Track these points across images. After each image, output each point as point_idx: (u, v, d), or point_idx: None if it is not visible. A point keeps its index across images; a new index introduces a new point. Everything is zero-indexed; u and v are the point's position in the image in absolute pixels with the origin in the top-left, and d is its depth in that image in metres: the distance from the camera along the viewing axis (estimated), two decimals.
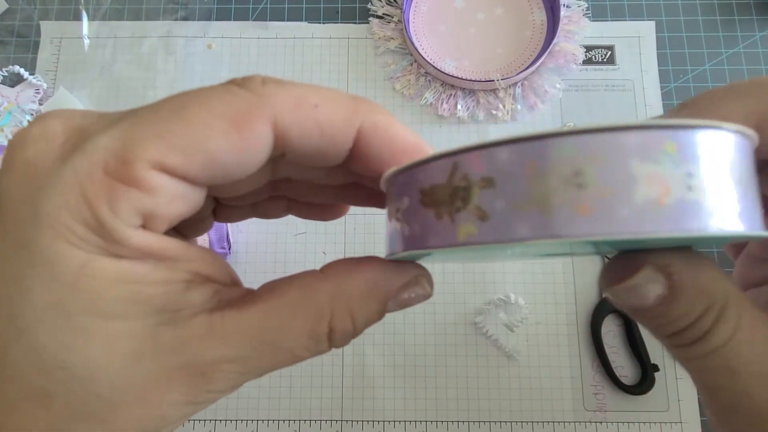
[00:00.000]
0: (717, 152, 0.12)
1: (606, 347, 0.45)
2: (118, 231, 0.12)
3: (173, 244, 0.14)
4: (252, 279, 0.48)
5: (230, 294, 0.15)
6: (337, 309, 0.15)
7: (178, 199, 0.13)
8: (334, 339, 0.15)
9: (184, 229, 0.19)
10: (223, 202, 0.20)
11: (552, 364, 0.46)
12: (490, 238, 0.12)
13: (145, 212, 0.12)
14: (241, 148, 0.13)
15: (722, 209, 0.12)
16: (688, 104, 0.17)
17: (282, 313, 0.14)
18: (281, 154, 0.15)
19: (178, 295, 0.14)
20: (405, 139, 0.15)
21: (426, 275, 0.17)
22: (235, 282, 0.16)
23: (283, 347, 0.15)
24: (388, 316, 0.46)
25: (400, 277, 0.16)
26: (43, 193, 0.12)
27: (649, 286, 0.15)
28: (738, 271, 0.21)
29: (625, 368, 0.45)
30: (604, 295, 0.16)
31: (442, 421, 0.45)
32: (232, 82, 0.13)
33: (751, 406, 0.15)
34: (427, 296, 0.17)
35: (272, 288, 0.15)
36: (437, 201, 0.13)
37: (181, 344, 0.13)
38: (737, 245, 0.20)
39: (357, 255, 0.48)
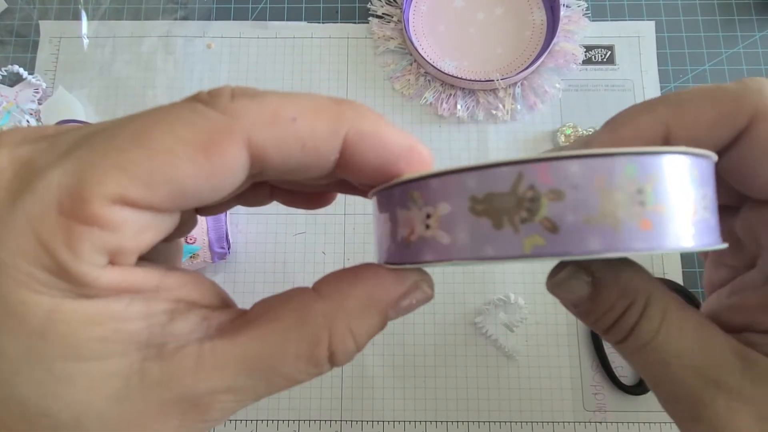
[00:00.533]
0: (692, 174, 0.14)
1: (605, 347, 0.45)
2: (83, 273, 0.11)
3: (149, 275, 0.13)
4: (251, 279, 0.48)
5: (220, 318, 0.14)
6: (335, 330, 0.14)
7: (146, 230, 0.12)
8: (336, 360, 0.15)
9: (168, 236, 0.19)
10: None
11: (551, 364, 0.46)
12: (561, 251, 0.13)
13: (110, 249, 0.12)
14: (211, 173, 0.12)
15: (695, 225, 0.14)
16: (610, 123, 0.18)
17: (277, 340, 0.14)
18: (259, 172, 0.14)
19: (162, 328, 0.13)
20: (396, 143, 0.14)
21: (426, 279, 0.16)
22: (225, 303, 0.15)
23: (281, 374, 0.14)
24: None
25: (399, 286, 0.16)
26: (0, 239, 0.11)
27: (573, 283, 0.17)
28: (705, 274, 0.23)
29: (624, 368, 0.45)
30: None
31: (441, 421, 0.45)
32: (197, 99, 0.12)
33: (690, 396, 0.17)
34: (429, 299, 0.16)
35: (265, 311, 0.15)
36: (496, 210, 0.13)
37: (171, 378, 0.13)
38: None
39: (356, 254, 0.48)
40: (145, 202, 0.11)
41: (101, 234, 0.11)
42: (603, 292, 0.17)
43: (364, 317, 0.15)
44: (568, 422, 0.44)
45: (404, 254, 0.15)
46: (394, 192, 0.15)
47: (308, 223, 0.49)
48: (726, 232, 0.19)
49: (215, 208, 0.19)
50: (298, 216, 0.48)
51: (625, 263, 0.18)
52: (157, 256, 0.16)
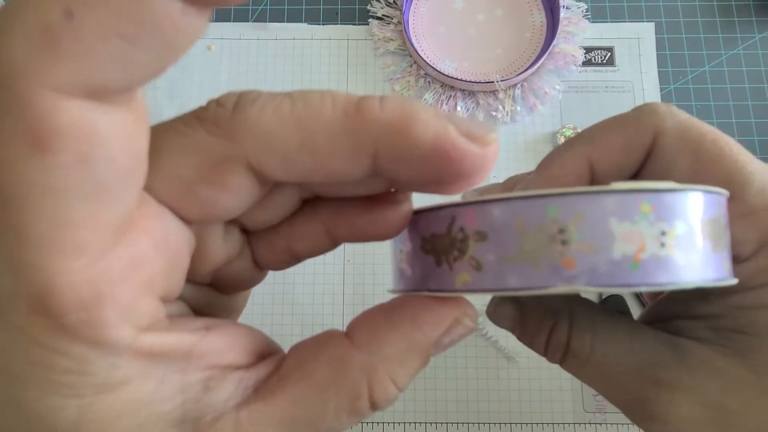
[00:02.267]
0: (689, 210, 0.13)
1: None
2: (112, 348, 0.11)
3: (183, 339, 0.12)
4: None
5: (257, 377, 0.14)
6: (375, 381, 0.14)
7: (140, 269, 0.11)
8: (378, 407, 0.14)
9: (231, 287, 0.17)
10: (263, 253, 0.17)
11: (551, 365, 0.45)
12: (483, 287, 0.14)
13: (109, 324, 0.11)
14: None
15: (691, 262, 0.13)
16: (540, 166, 0.20)
17: (315, 398, 0.13)
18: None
19: (197, 402, 0.12)
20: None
21: (469, 313, 0.15)
22: (262, 354, 0.15)
23: (322, 428, 0.13)
24: None
25: (440, 324, 0.15)
26: (8, 357, 0.10)
27: (502, 310, 0.19)
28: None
29: None
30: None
31: (441, 423, 0.45)
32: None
33: (637, 399, 0.18)
34: (471, 332, 0.15)
35: (299, 364, 0.14)
36: (437, 249, 0.15)
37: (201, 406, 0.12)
38: None
39: (356, 255, 0.48)
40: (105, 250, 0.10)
41: (93, 315, 0.10)
42: (528, 316, 0.19)
43: (404, 363, 0.14)
44: (568, 423, 0.44)
45: (398, 283, 0.17)
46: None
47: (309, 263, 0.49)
48: None
49: (281, 263, 0.18)
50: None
51: None
52: (218, 309, 0.16)
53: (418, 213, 0.15)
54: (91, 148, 0.09)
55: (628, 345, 0.18)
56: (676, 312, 0.20)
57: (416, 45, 0.51)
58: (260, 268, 0.18)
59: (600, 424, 0.44)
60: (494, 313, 0.20)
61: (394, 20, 0.53)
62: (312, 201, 0.16)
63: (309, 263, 0.48)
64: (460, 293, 0.14)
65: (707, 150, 0.18)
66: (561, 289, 0.13)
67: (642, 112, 0.18)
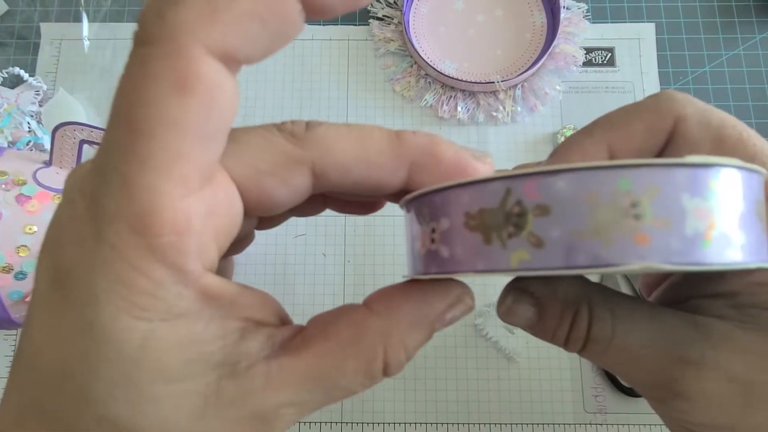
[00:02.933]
0: (749, 189, 0.13)
1: None
2: (172, 287, 0.12)
3: (228, 289, 0.14)
4: (251, 281, 0.47)
5: (282, 336, 0.15)
6: (390, 345, 0.15)
7: (216, 232, 0.13)
8: (389, 371, 0.16)
9: (230, 250, 0.19)
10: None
11: (552, 366, 0.46)
12: (545, 265, 0.13)
13: (190, 253, 0.12)
14: (213, 115, 0.13)
15: (751, 242, 0.13)
16: (557, 151, 0.20)
17: (337, 356, 0.15)
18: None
19: (234, 347, 0.14)
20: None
21: (468, 292, 0.17)
22: (284, 320, 0.16)
23: (340, 387, 0.15)
24: None
25: (444, 300, 0.17)
26: (95, 273, 0.12)
27: (519, 307, 0.19)
28: (640, 277, 0.24)
29: None
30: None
31: (441, 423, 0.45)
32: (144, 41, 0.13)
33: (663, 379, 0.18)
34: (470, 310, 0.17)
35: (322, 328, 0.16)
36: (486, 225, 0.13)
37: (243, 395, 0.14)
38: None
39: (357, 256, 0.48)
40: (197, 182, 0.12)
41: (180, 240, 0.12)
42: (547, 310, 0.19)
43: (414, 332, 0.16)
44: (569, 424, 0.44)
45: (417, 266, 0.16)
46: (411, 207, 0.16)
47: (309, 225, 0.49)
48: None
49: (272, 221, 0.20)
50: (299, 218, 0.48)
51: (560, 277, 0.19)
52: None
53: (461, 186, 0.14)
54: (214, 99, 0.12)
55: (648, 326, 0.18)
56: (693, 292, 0.19)
57: (417, 45, 0.51)
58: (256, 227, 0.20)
59: (600, 424, 0.44)
60: (508, 312, 0.19)
61: (395, 21, 0.53)
62: None
63: (309, 265, 0.48)
64: (515, 273, 0.13)
65: (729, 136, 0.18)
66: (635, 266, 0.12)
67: (660, 98, 0.19)
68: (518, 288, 0.19)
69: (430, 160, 0.16)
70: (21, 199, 0.37)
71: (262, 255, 0.48)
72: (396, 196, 0.17)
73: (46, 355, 0.13)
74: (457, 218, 0.14)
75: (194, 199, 0.12)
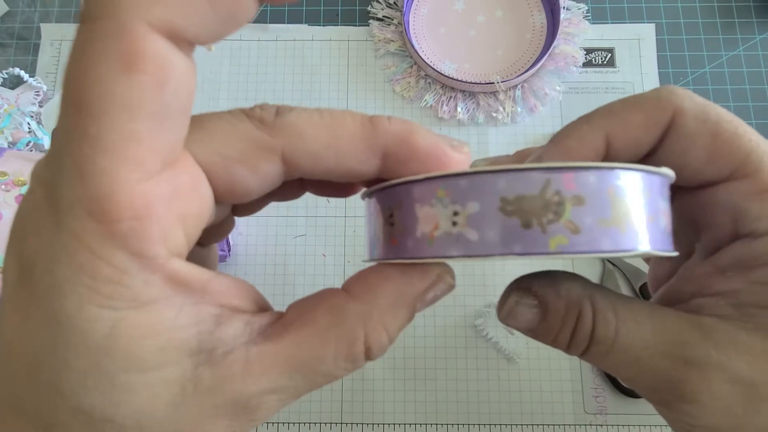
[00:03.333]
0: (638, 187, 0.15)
1: None
2: (134, 272, 0.12)
3: (199, 274, 0.14)
4: (251, 282, 0.47)
5: (261, 322, 0.15)
6: (369, 327, 0.15)
7: (185, 215, 0.13)
8: (371, 354, 0.16)
9: (205, 238, 0.18)
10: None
11: (552, 366, 0.46)
12: (579, 249, 0.14)
13: (159, 238, 0.12)
14: (169, 92, 0.12)
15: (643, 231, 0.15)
16: (556, 137, 0.20)
17: (316, 342, 0.15)
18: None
19: (210, 334, 0.14)
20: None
21: (449, 271, 0.17)
22: (262, 308, 0.16)
23: (321, 372, 0.15)
24: None
25: (424, 280, 0.16)
26: (56, 262, 0.11)
27: (521, 309, 0.19)
28: (649, 272, 0.24)
29: None
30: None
31: (442, 424, 0.45)
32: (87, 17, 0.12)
33: (667, 381, 0.18)
34: (451, 289, 0.17)
35: (301, 313, 0.15)
36: (525, 211, 0.14)
37: (221, 383, 0.13)
38: None
39: (357, 257, 0.48)
40: (154, 165, 0.12)
41: (139, 225, 0.11)
42: (550, 310, 0.18)
43: (394, 313, 0.16)
44: (569, 425, 0.44)
45: (425, 249, 0.15)
46: (413, 189, 0.16)
47: (308, 226, 0.49)
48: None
49: (250, 207, 0.19)
50: (299, 218, 0.48)
51: (559, 275, 0.19)
52: (196, 262, 0.17)
53: (496, 172, 0.14)
54: (165, 77, 0.11)
55: (651, 327, 0.18)
56: (694, 291, 0.19)
57: (417, 46, 0.51)
58: (234, 214, 0.20)
59: (601, 425, 0.44)
60: (510, 314, 0.19)
61: (395, 21, 0.53)
62: None
63: (309, 265, 0.48)
64: (553, 256, 0.14)
65: (725, 130, 0.18)
66: (640, 250, 0.15)
67: (661, 92, 0.19)
68: (521, 288, 0.19)
69: (405, 149, 0.15)
70: (21, 199, 0.37)
71: (262, 255, 0.48)
72: (371, 182, 0.17)
73: (16, 350, 0.12)
74: (490, 202, 0.14)
75: (154, 182, 0.12)
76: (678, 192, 0.20)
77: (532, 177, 0.14)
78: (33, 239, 0.12)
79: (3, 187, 0.37)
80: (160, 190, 0.12)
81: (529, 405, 0.45)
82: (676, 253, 0.16)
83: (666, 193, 0.16)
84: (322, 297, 0.16)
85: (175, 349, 0.13)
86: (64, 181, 0.11)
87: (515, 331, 0.45)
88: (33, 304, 0.12)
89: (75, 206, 0.11)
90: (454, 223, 0.15)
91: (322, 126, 0.15)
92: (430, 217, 0.15)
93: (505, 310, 0.19)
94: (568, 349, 0.19)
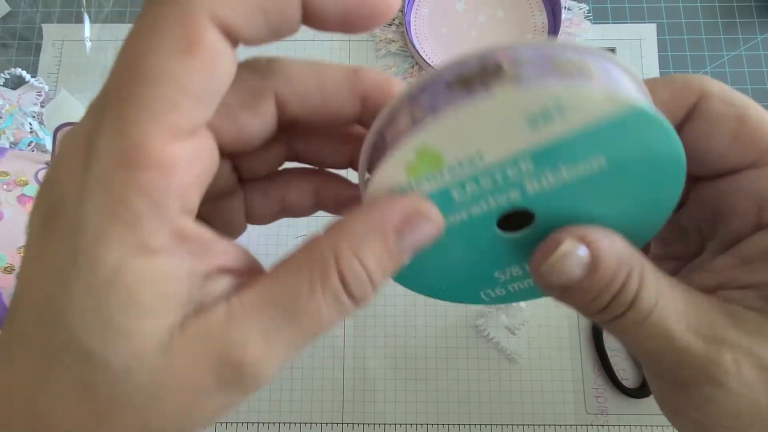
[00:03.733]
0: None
1: (608, 350, 0.45)
2: (150, 222, 0.13)
3: (205, 233, 0.14)
4: None
5: (248, 280, 0.15)
6: (339, 254, 0.15)
7: (198, 172, 0.14)
8: (350, 288, 0.15)
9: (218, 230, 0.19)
10: (249, 192, 0.20)
11: (553, 367, 0.46)
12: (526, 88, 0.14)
13: (172, 190, 0.13)
14: (208, 73, 0.13)
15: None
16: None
17: (290, 278, 0.15)
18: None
19: (201, 288, 0.14)
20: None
21: (425, 203, 0.16)
22: (257, 271, 0.16)
23: (303, 310, 0.14)
24: (388, 319, 0.46)
25: (394, 209, 0.15)
26: (81, 203, 0.13)
27: (570, 260, 0.16)
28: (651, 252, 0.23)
29: (626, 371, 0.45)
30: (535, 284, 0.18)
31: (443, 424, 0.45)
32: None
33: (696, 359, 0.17)
34: (436, 228, 0.16)
35: (281, 259, 0.16)
36: (467, 79, 0.15)
37: (207, 333, 0.14)
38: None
39: None
40: (185, 129, 0.13)
41: (161, 177, 0.13)
42: (602, 263, 0.16)
43: (364, 240, 0.15)
44: (570, 425, 0.44)
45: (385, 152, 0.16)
46: (384, 117, 0.16)
47: (309, 226, 0.49)
48: (673, 227, 0.21)
49: (263, 217, 0.21)
50: (299, 219, 0.48)
51: (615, 233, 0.17)
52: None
53: (440, 69, 0.15)
54: (214, 65, 0.13)
55: (686, 302, 0.17)
56: (718, 283, 0.19)
57: (418, 46, 0.51)
58: (247, 219, 0.21)
59: (602, 425, 0.44)
60: (555, 266, 0.17)
61: (396, 21, 0.53)
62: (308, 170, 0.21)
63: None
64: (500, 107, 0.14)
65: (752, 116, 0.18)
66: (597, 89, 0.14)
67: (690, 75, 0.19)
68: (575, 235, 0.17)
69: (382, 95, 0.17)
70: (23, 199, 0.37)
71: (263, 256, 0.48)
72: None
73: (33, 286, 0.13)
74: (437, 89, 0.15)
75: (181, 145, 0.13)
76: (697, 183, 0.20)
77: (469, 59, 0.15)
78: (63, 183, 0.13)
79: (5, 187, 0.37)
80: (186, 153, 0.13)
81: (530, 405, 0.45)
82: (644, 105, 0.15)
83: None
84: (302, 243, 0.16)
85: (170, 298, 0.13)
86: (102, 131, 0.13)
87: (516, 332, 0.45)
88: (53, 243, 0.13)
89: (107, 153, 0.12)
90: (414, 120, 0.15)
91: (311, 71, 0.17)
92: (397, 131, 0.15)
93: (550, 262, 0.17)
94: (599, 313, 0.17)
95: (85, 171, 0.13)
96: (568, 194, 0.16)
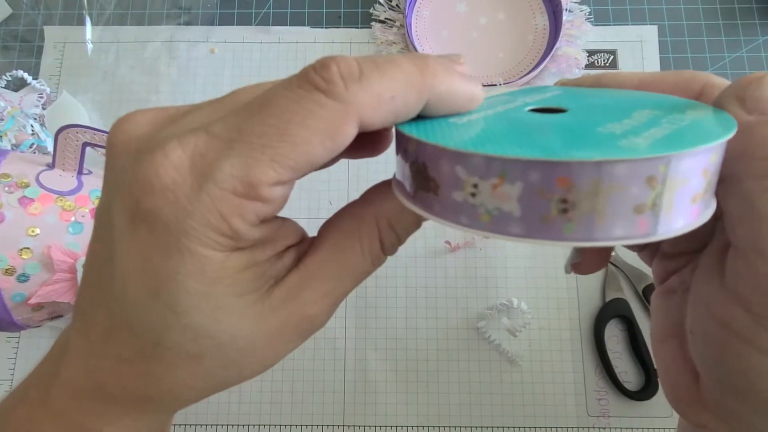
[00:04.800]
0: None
1: (609, 352, 0.45)
2: (247, 233, 0.16)
3: (274, 227, 0.17)
4: None
5: (304, 248, 0.19)
6: (381, 226, 0.18)
7: (285, 197, 0.16)
8: (386, 249, 0.19)
9: None
10: None
11: (555, 369, 0.46)
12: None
13: (265, 215, 0.16)
14: (333, 151, 0.16)
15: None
16: (599, 76, 0.21)
17: (345, 244, 0.18)
18: None
19: (275, 264, 0.18)
20: (464, 97, 0.18)
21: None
22: (304, 237, 0.20)
23: (353, 268, 0.18)
24: (389, 320, 0.46)
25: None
26: (190, 215, 0.15)
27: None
28: (654, 270, 0.23)
29: (628, 373, 0.45)
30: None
31: (444, 427, 0.44)
32: (315, 87, 0.15)
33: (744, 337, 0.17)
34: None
35: (331, 226, 0.19)
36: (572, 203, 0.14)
37: (286, 299, 0.17)
38: (651, 251, 0.23)
39: None
40: (291, 180, 0.16)
41: (261, 207, 0.15)
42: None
43: (400, 216, 0.19)
44: (572, 428, 0.44)
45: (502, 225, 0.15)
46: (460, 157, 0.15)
47: (310, 228, 0.49)
48: None
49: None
50: (300, 220, 0.48)
51: None
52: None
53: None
54: (338, 150, 0.16)
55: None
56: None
57: (419, 48, 0.51)
58: None
59: (603, 428, 0.44)
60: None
61: (397, 23, 0.53)
62: None
63: None
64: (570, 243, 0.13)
65: (752, 96, 0.18)
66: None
67: (696, 71, 0.20)
68: None
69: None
70: (24, 201, 0.37)
71: None
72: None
73: (136, 277, 0.16)
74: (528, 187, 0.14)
75: (283, 188, 0.16)
76: None
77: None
78: (165, 193, 0.15)
79: (6, 189, 0.37)
80: (284, 193, 0.16)
81: (532, 407, 0.45)
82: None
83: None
84: (345, 209, 0.19)
85: (259, 278, 0.17)
86: (229, 159, 0.15)
87: (518, 334, 0.45)
88: (157, 242, 0.15)
89: (227, 182, 0.15)
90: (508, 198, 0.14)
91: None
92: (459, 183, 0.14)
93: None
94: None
95: (195, 188, 0.15)
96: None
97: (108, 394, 0.18)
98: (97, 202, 0.39)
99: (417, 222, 0.19)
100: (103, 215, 0.17)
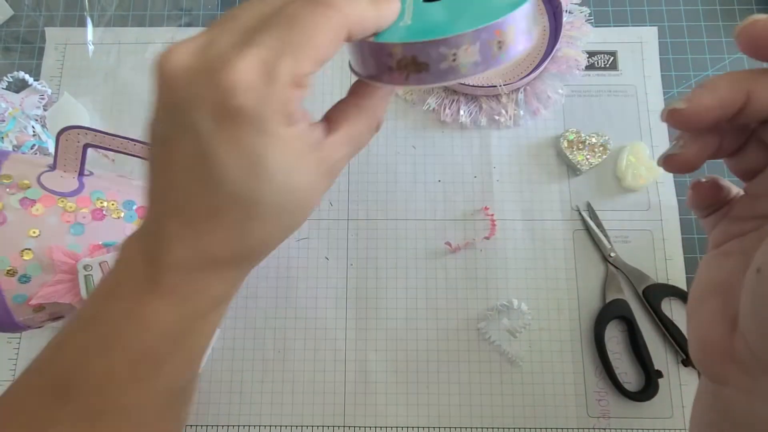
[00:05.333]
0: None
1: (609, 353, 0.45)
2: (298, 111, 0.20)
3: (304, 110, 0.22)
4: (254, 284, 0.48)
5: (322, 127, 0.23)
6: (380, 113, 0.25)
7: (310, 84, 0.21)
8: (378, 128, 0.25)
9: None
10: None
11: (555, 370, 0.46)
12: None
13: (303, 97, 0.20)
14: (337, 50, 0.20)
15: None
16: (698, 86, 0.22)
17: (359, 123, 0.24)
18: None
19: (312, 132, 0.22)
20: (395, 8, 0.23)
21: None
22: (327, 119, 0.25)
23: (362, 141, 0.25)
24: (390, 321, 0.46)
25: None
26: (268, 104, 0.19)
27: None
28: (714, 234, 0.24)
29: (628, 374, 0.45)
30: None
31: (444, 427, 0.44)
32: (322, 3, 0.20)
33: None
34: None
35: (340, 110, 0.24)
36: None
37: (323, 158, 0.22)
38: (720, 215, 0.24)
39: (359, 260, 0.48)
40: (316, 71, 0.20)
41: (303, 92, 0.20)
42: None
43: (383, 104, 0.25)
44: (572, 428, 0.44)
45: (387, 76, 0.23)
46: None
47: (311, 229, 0.49)
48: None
49: None
50: None
51: None
52: None
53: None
54: (349, 32, 0.21)
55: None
56: None
57: None
58: None
59: (604, 429, 0.44)
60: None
61: None
62: None
63: (312, 268, 0.48)
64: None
65: None
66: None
67: None
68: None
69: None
70: (25, 202, 0.37)
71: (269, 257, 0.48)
72: None
73: (235, 161, 0.20)
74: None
75: (312, 76, 0.20)
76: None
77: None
78: (246, 93, 0.19)
79: (8, 190, 0.37)
80: (311, 81, 0.21)
81: (532, 408, 0.45)
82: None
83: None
84: (350, 98, 0.25)
85: (310, 143, 0.22)
86: (282, 62, 0.19)
87: (518, 335, 0.45)
88: (246, 129, 0.19)
89: (283, 76, 0.19)
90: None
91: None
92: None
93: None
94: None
95: (267, 86, 0.19)
96: None
97: (216, 260, 0.22)
98: (98, 203, 0.39)
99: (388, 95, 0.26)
100: (176, 132, 0.20)
